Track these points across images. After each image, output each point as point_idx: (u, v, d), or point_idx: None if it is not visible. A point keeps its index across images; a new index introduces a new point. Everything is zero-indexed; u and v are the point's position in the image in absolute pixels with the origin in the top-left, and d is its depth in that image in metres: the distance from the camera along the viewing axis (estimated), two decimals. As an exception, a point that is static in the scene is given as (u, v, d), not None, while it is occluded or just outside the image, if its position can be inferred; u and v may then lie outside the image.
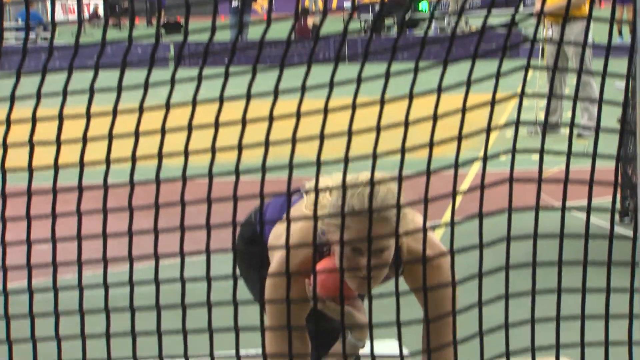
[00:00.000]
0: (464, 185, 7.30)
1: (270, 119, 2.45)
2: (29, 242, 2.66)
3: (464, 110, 2.45)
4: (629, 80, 2.70)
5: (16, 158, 2.67)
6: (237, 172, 2.51)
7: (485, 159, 2.53)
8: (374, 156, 2.45)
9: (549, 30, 10.20)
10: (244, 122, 2.48)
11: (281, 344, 2.90)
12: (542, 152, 2.57)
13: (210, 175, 2.53)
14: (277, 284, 2.95)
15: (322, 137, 2.43)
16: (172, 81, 2.54)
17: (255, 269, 3.09)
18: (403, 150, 2.44)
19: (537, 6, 8.65)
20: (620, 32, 17.23)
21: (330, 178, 2.94)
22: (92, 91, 2.57)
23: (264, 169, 2.50)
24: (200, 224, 2.56)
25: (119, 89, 2.56)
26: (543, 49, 10.54)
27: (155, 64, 2.56)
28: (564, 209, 2.61)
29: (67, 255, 2.72)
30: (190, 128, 2.52)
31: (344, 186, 2.65)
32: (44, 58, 2.59)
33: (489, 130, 2.50)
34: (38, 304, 2.72)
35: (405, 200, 2.64)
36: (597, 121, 2.71)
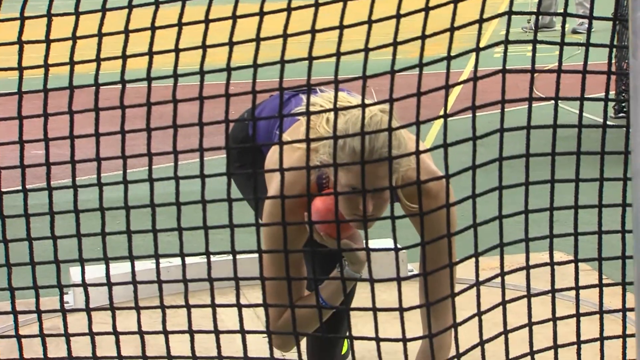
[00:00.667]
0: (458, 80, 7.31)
1: (261, 14, 2.44)
2: (21, 143, 2.66)
3: (455, 1, 2.43)
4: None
5: (6, 58, 2.66)
6: (228, 69, 2.51)
7: (478, 50, 2.52)
8: (366, 50, 2.44)
9: None
10: (234, 18, 2.47)
11: (278, 273, 2.92)
12: (534, 42, 2.57)
13: (202, 73, 2.53)
14: (274, 214, 2.94)
15: (313, 31, 2.42)
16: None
17: (248, 171, 3.09)
18: (395, 44, 2.43)
19: None
20: None
21: (327, 99, 2.90)
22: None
23: (255, 64, 2.49)
24: (193, 122, 2.57)
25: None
26: None
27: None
28: (557, 98, 2.62)
29: (61, 160, 2.72)
30: (180, 25, 2.50)
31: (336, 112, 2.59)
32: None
33: (481, 20, 2.49)
34: (34, 207, 2.73)
35: (397, 108, 2.62)
36: (590, 13, 2.70)
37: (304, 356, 2.76)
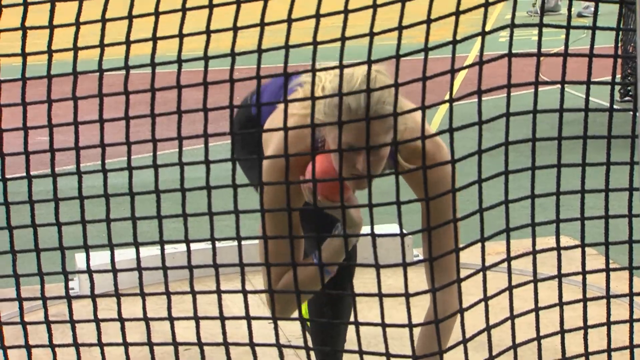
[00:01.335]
0: (464, 65, 7.30)
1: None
2: (25, 130, 2.66)
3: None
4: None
5: (8, 46, 2.65)
6: (232, 54, 2.50)
7: (483, 33, 2.51)
8: (371, 34, 2.43)
9: None
10: (238, 3, 2.46)
11: (275, 233, 2.91)
12: (540, 26, 2.56)
13: (206, 58, 2.52)
14: (271, 177, 2.93)
15: (318, 15, 2.41)
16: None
17: (253, 153, 3.07)
18: (400, 28, 2.42)
19: None
20: None
21: (326, 72, 2.88)
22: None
23: (259, 49, 2.49)
24: (197, 108, 2.56)
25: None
26: None
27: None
28: (563, 82, 2.60)
29: (65, 146, 2.72)
30: (184, 10, 2.49)
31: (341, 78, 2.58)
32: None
33: (487, 4, 2.47)
34: (39, 193, 2.73)
35: (402, 93, 2.61)
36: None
37: (309, 350, 2.75)
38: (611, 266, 2.77)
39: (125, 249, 2.74)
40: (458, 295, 2.66)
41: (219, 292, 2.68)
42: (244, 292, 2.65)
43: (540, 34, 2.56)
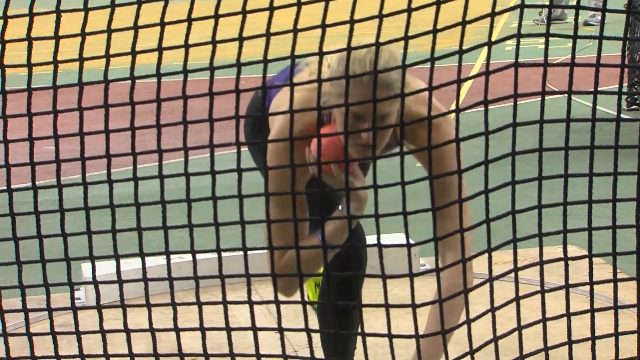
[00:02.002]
0: (470, 74, 7.19)
1: (271, 9, 2.43)
2: (31, 141, 2.65)
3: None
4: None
5: (15, 55, 2.65)
6: (238, 64, 2.49)
7: (490, 43, 2.49)
8: (377, 44, 2.43)
9: None
10: (244, 13, 2.46)
11: (280, 211, 2.89)
12: (547, 35, 2.54)
13: (212, 68, 2.51)
14: (276, 150, 2.92)
15: (323, 25, 2.40)
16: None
17: (262, 136, 3.05)
18: (406, 38, 2.41)
19: None
20: None
21: (332, 48, 2.87)
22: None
23: (265, 59, 2.48)
24: (203, 118, 2.55)
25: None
26: None
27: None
28: (570, 92, 2.59)
29: (72, 155, 2.71)
30: (189, 20, 2.49)
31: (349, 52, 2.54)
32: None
33: (493, 14, 2.46)
34: (45, 203, 2.72)
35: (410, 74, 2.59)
36: (603, 5, 2.68)
37: (317, 353, 2.74)
38: (619, 275, 2.76)
39: (131, 259, 2.73)
40: (465, 275, 2.63)
41: (225, 302, 2.66)
42: (250, 303, 2.64)
43: (547, 44, 2.55)
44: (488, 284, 2.61)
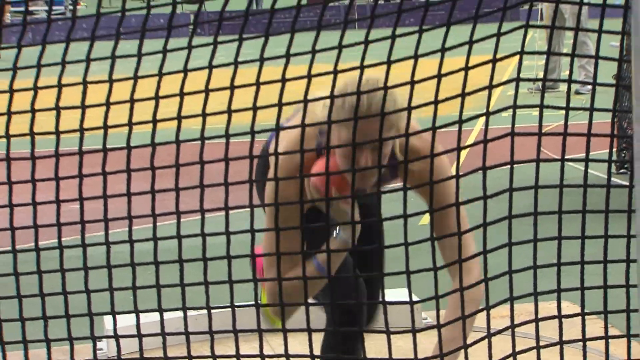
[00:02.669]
0: (469, 142, 7.26)
1: (283, 80, 2.43)
2: (58, 202, 2.64)
3: (466, 68, 2.41)
4: (623, 37, 2.66)
5: (43, 123, 2.65)
6: (252, 132, 2.49)
7: (487, 114, 2.49)
8: (382, 115, 2.42)
9: None
10: (257, 85, 2.46)
11: (277, 241, 2.85)
12: (541, 107, 2.54)
13: (227, 136, 2.51)
14: (275, 185, 2.89)
15: (332, 97, 2.40)
16: (189, 47, 2.51)
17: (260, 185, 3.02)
18: (409, 109, 2.41)
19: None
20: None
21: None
22: (113, 58, 2.55)
23: (277, 127, 2.48)
24: (219, 182, 2.55)
25: (139, 55, 2.53)
26: (542, 11, 10.46)
27: (177, 33, 2.54)
28: (563, 159, 2.58)
29: (95, 215, 2.71)
30: (207, 91, 2.49)
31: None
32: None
33: (490, 86, 2.46)
34: (70, 258, 2.71)
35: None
36: (594, 78, 2.68)
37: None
38: (610, 331, 2.73)
39: (150, 313, 2.71)
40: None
41: (238, 355, 2.64)
42: (262, 356, 2.62)
43: (541, 114, 2.55)
44: (487, 339, 2.59)
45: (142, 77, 2.52)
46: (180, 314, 2.73)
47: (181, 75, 2.51)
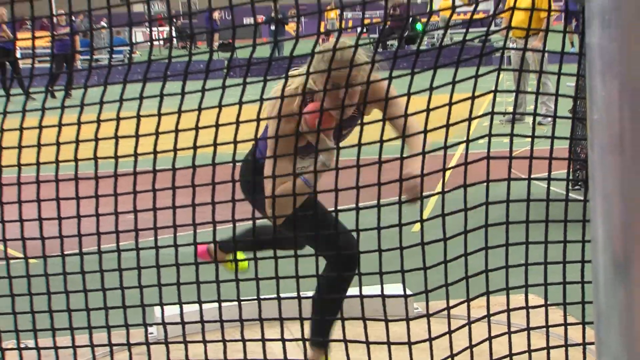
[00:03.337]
0: (452, 163, 7.20)
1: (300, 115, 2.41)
2: (116, 214, 2.63)
3: (450, 104, 2.40)
4: (578, 79, 2.64)
5: (104, 149, 2.64)
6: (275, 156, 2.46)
7: (467, 141, 2.48)
8: (381, 142, 2.40)
9: (513, 43, 10.10)
10: (279, 117, 2.44)
11: (280, 159, 2.84)
12: (511, 135, 2.53)
13: (254, 159, 2.48)
14: (277, 127, 2.89)
15: (340, 126, 2.38)
16: (223, 87, 2.50)
17: (258, 187, 2.99)
18: (404, 137, 2.39)
19: (504, 25, 8.53)
20: (572, 44, 16.93)
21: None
22: (161, 96, 2.54)
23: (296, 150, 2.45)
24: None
25: (182, 94, 2.53)
26: (510, 58, 10.46)
27: (213, 75, 2.53)
28: (529, 179, 2.56)
29: (146, 224, 2.69)
30: (238, 123, 2.48)
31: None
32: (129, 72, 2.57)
33: (470, 119, 2.45)
34: (125, 260, 2.70)
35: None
36: (554, 112, 2.66)
37: None
38: (569, 319, 2.70)
39: (191, 304, 2.70)
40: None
41: (263, 340, 2.62)
42: (283, 340, 2.60)
43: (511, 141, 2.54)
44: (467, 326, 2.56)
45: (185, 111, 2.51)
46: (215, 304, 2.71)
47: (216, 109, 2.49)
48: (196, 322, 2.68)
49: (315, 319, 3.19)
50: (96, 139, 2.60)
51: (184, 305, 2.70)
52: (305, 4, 2.61)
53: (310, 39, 2.55)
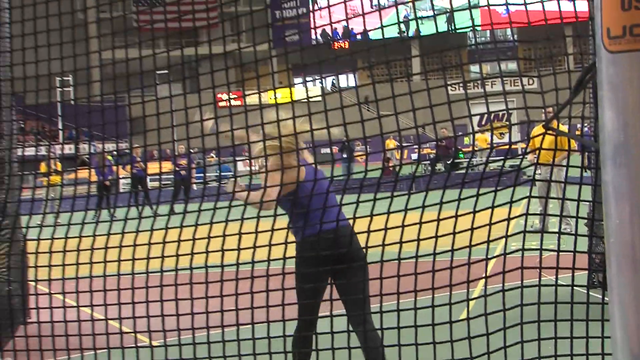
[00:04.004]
0: (490, 265, 7.04)
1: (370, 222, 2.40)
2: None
3: (490, 224, 2.37)
4: (594, 204, 2.60)
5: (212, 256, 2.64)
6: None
7: (504, 254, 2.43)
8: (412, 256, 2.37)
9: (539, 170, 9.98)
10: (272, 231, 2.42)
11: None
12: (541, 250, 2.48)
13: (268, 261, 2.47)
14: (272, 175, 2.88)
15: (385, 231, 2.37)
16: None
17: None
18: (453, 249, 2.36)
19: (530, 157, 8.43)
20: (586, 170, 16.68)
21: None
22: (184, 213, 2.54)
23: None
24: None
25: (199, 211, 2.53)
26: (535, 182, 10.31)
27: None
28: (556, 285, 2.50)
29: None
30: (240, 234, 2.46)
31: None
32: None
33: (506, 236, 2.41)
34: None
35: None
36: (575, 230, 2.61)
37: None
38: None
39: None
40: None
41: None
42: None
43: (540, 254, 2.49)
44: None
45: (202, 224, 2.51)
46: None
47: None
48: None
49: None
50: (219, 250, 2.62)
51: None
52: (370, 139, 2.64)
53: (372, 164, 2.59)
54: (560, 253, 2.55)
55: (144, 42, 3.08)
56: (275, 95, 2.73)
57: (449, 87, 2.51)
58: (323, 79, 2.74)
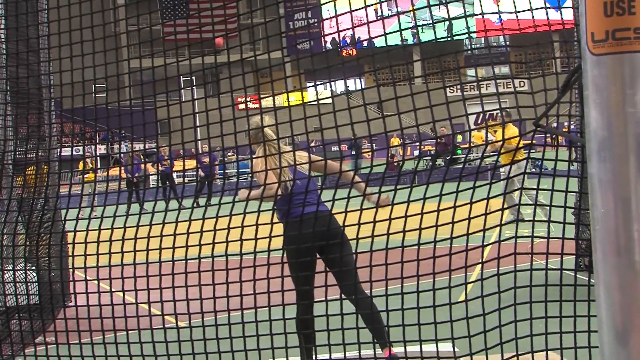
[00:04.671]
0: (486, 252, 7.03)
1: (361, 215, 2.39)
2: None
3: (486, 214, 2.35)
4: (581, 195, 2.57)
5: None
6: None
7: (499, 241, 2.42)
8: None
9: (502, 169, 9.45)
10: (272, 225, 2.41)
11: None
12: (532, 237, 2.45)
13: (268, 251, 2.45)
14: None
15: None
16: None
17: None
18: (452, 237, 2.34)
19: (489, 149, 8.19)
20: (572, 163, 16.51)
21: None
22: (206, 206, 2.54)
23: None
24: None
25: (219, 204, 2.52)
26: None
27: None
28: (547, 269, 2.48)
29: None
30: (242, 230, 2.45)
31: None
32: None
33: (500, 225, 2.39)
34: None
35: None
36: (579, 213, 2.58)
37: None
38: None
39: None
40: None
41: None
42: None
43: (532, 241, 2.46)
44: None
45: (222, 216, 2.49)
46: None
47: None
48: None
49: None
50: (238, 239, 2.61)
51: None
52: (376, 137, 2.64)
53: (378, 160, 2.56)
54: (550, 240, 2.54)
55: (170, 50, 3.08)
56: (288, 98, 2.73)
57: (447, 89, 2.50)
58: (333, 83, 2.72)
